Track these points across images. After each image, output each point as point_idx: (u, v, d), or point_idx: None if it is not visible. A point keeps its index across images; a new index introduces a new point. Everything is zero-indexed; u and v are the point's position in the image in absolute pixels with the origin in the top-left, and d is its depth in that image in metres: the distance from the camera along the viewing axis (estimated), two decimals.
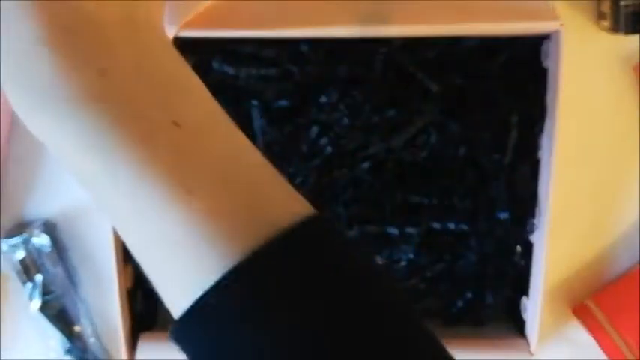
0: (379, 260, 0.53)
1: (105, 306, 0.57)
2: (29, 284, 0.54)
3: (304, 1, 0.45)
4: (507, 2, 0.44)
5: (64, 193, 0.55)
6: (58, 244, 0.55)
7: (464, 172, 0.50)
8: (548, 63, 0.46)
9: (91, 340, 0.56)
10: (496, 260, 0.52)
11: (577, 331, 0.54)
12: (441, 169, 0.50)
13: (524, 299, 0.50)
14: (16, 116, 0.26)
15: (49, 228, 0.55)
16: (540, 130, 0.47)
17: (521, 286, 0.50)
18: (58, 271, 0.55)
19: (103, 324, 0.57)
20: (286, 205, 0.28)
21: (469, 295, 0.52)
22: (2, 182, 0.55)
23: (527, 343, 0.50)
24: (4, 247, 0.54)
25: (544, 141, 0.47)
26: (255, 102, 0.48)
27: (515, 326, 0.52)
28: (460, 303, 0.52)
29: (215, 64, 0.48)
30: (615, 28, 0.48)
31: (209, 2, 0.44)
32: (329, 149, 0.49)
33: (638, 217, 0.53)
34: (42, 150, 0.54)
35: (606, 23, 0.49)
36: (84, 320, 0.56)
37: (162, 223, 0.26)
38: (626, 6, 0.48)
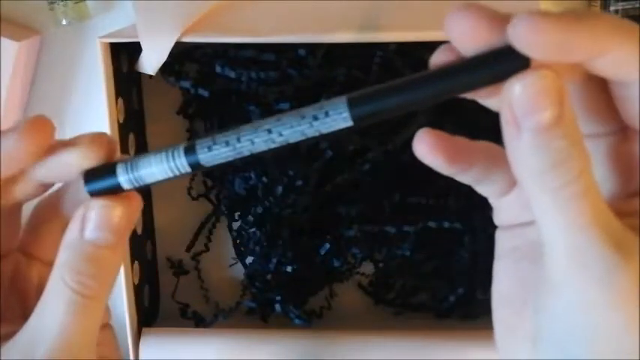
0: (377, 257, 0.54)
1: (113, 302, 0.58)
2: None
3: (302, 7, 0.46)
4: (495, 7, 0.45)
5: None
6: None
7: None
8: None
9: None
10: (487, 258, 0.53)
11: None
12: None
13: None
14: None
15: None
16: None
17: None
18: None
19: (111, 320, 0.58)
20: None
21: (460, 290, 0.53)
22: None
23: None
24: None
25: None
26: (256, 105, 0.50)
27: None
28: (452, 298, 0.54)
29: (218, 68, 0.50)
30: None
31: (213, 3, 0.45)
32: (329, 152, 0.50)
33: None
34: None
35: None
36: None
37: None
38: (616, 11, 0.49)
